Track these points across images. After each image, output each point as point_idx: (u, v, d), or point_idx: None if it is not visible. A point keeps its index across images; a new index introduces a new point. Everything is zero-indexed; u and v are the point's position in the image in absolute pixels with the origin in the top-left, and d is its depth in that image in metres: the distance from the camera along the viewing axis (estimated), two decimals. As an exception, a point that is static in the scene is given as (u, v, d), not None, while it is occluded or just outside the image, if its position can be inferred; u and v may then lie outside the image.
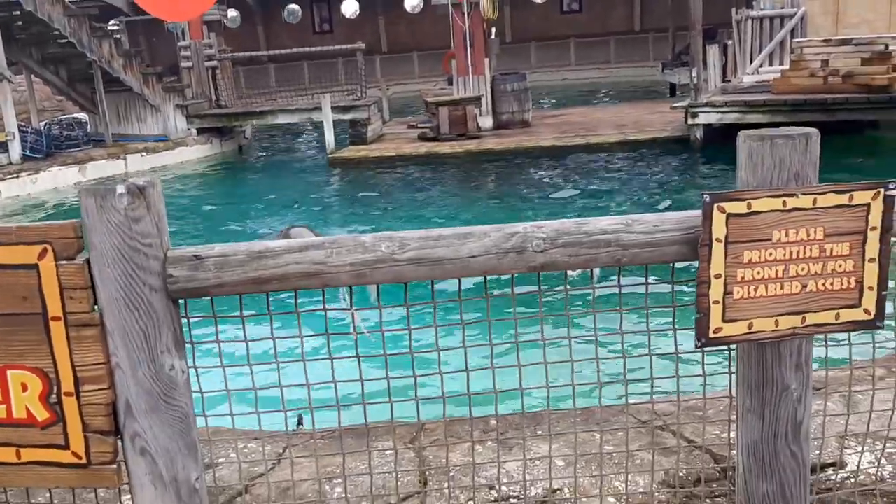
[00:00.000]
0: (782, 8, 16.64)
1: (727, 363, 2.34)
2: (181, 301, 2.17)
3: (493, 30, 20.35)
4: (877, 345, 2.75)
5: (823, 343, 2.51)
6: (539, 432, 3.29)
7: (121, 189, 2.02)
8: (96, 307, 2.08)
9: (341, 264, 2.11)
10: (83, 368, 2.08)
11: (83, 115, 20.12)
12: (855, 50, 13.47)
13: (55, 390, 2.09)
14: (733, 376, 2.32)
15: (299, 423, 4.07)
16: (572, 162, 16.12)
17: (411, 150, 17.75)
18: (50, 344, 2.07)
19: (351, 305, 2.26)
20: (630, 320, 2.45)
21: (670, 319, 2.35)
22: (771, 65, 16.94)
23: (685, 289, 2.36)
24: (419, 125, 19.42)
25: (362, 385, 2.32)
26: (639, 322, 2.48)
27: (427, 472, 3.07)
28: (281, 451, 3.30)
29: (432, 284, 2.27)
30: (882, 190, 2.07)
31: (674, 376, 2.44)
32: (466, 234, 2.13)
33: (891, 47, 13.28)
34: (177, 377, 2.16)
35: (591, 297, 2.36)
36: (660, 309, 2.38)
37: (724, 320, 2.12)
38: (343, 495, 2.85)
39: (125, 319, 2.08)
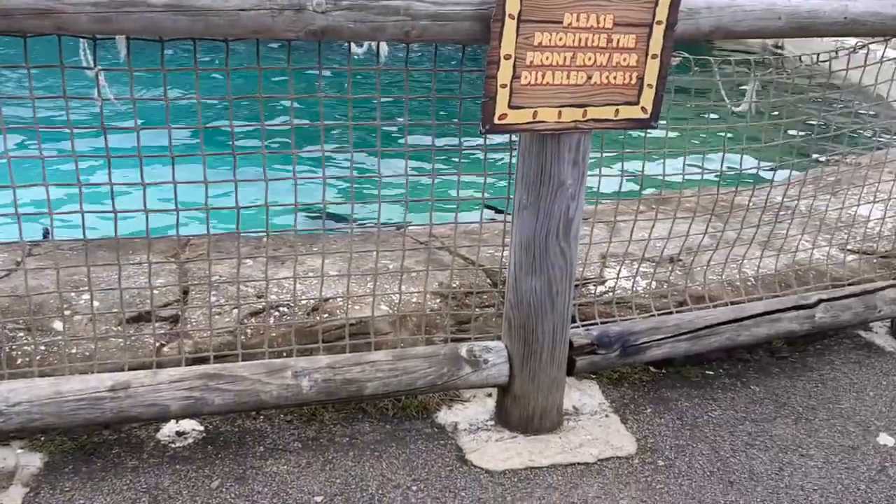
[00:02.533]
0: None
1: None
2: None
3: None
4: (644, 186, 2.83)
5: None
6: (315, 249, 3.15)
7: None
8: None
9: (80, 3, 1.76)
10: None
11: None
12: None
13: None
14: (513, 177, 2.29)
15: (45, 236, 3.62)
16: None
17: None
18: None
19: (95, 63, 1.92)
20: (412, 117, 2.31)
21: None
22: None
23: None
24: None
25: (110, 172, 2.03)
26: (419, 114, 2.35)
27: (190, 284, 2.84)
28: (19, 260, 2.91)
29: (195, 46, 1.98)
30: (671, -18, 2.05)
31: (455, 174, 2.36)
32: (251, -17, 1.86)
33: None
34: None
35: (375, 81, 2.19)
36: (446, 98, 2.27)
37: (510, 106, 2.04)
38: (90, 304, 2.57)
39: None
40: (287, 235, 3.33)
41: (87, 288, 2.64)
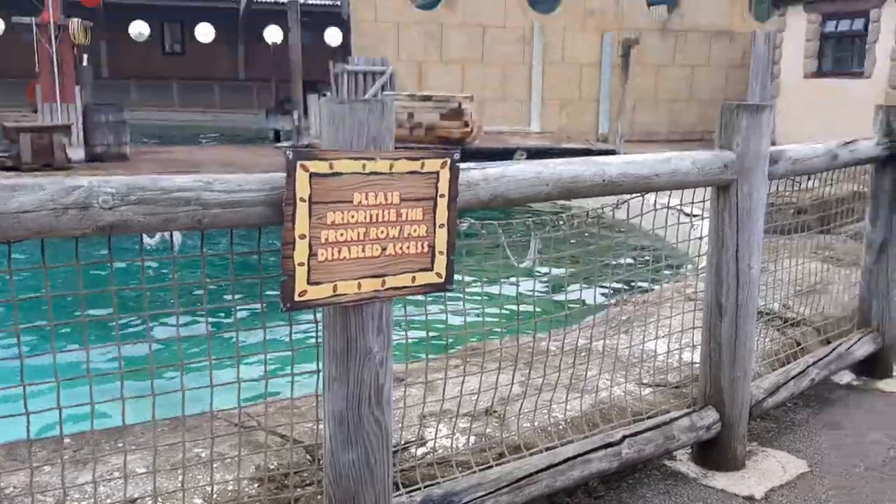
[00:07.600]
0: (373, 65, 18.03)
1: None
2: None
3: (86, 56, 18.87)
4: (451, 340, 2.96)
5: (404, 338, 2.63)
6: (120, 445, 2.95)
7: None
8: None
9: None
10: None
11: None
12: (435, 106, 15.08)
13: None
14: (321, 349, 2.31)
15: None
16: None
17: (-19, 180, 15.42)
18: None
19: None
20: (215, 297, 2.31)
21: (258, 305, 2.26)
22: (366, 117, 18.18)
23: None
24: (-5, 154, 17.02)
25: None
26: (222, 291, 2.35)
27: (-27, 503, 2.55)
28: None
29: (-27, 252, 1.90)
30: (449, 159, 2.25)
31: (262, 354, 2.35)
32: (16, 185, 1.83)
33: (463, 106, 15.13)
34: None
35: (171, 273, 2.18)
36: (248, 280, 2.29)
37: (309, 283, 2.10)
38: None
39: None
40: (87, 433, 3.10)
41: None
